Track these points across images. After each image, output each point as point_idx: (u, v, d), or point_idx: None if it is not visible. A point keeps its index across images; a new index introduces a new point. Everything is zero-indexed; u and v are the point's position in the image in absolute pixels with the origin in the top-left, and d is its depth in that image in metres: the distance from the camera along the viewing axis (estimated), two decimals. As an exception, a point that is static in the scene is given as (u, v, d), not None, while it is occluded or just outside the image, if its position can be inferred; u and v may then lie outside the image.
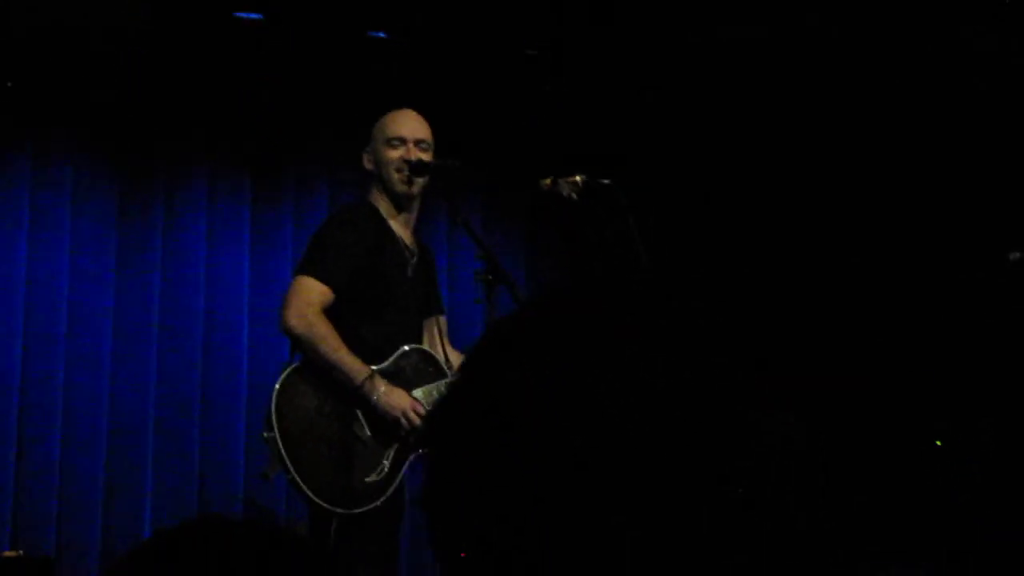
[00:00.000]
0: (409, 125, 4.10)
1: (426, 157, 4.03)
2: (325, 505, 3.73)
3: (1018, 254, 4.26)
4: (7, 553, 4.88)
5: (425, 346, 4.07)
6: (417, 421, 3.84)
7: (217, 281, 5.84)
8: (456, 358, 4.17)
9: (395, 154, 4.04)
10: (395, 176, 4.03)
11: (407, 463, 3.89)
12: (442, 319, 4.26)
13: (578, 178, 3.83)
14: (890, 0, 5.34)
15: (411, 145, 4.04)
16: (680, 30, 5.90)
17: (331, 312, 3.88)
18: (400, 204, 4.10)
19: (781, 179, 5.95)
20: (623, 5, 5.77)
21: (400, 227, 4.11)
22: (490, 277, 3.69)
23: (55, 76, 5.61)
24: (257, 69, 5.97)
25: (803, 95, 5.84)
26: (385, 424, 3.84)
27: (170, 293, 5.76)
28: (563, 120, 6.33)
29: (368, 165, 4.12)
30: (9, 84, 5.46)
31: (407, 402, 3.84)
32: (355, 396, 3.82)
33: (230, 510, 5.70)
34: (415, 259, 4.13)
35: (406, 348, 3.98)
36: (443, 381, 4.00)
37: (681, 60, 6.09)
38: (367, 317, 3.94)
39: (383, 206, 4.09)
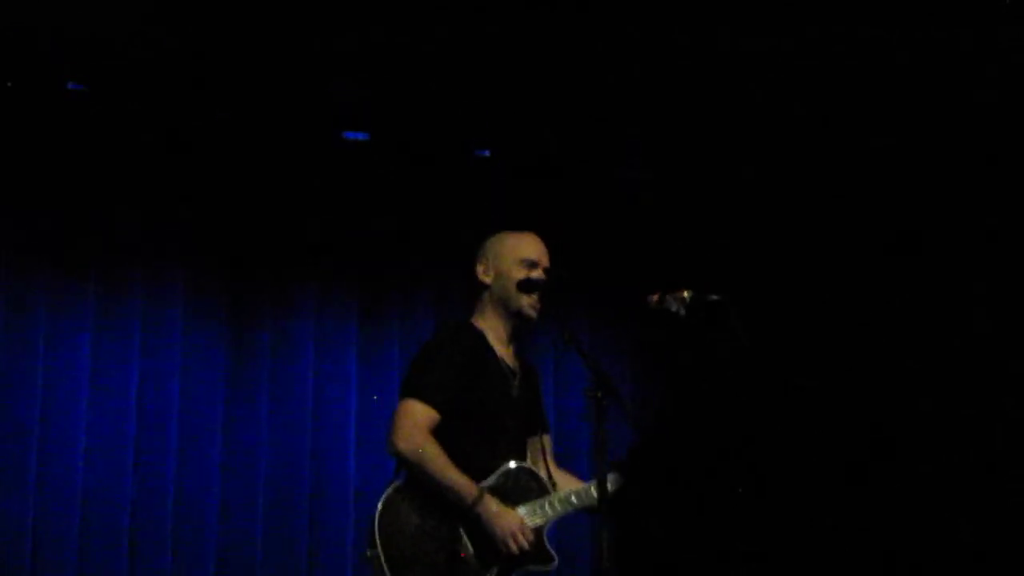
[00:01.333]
0: (541, 249, 4.11)
1: None
2: None
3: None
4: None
5: (529, 464, 4.03)
6: (524, 544, 3.80)
7: (325, 402, 5.88)
8: (560, 476, 4.13)
9: (532, 278, 4.04)
10: (526, 300, 4.03)
11: None
12: (546, 438, 4.23)
13: (686, 293, 3.79)
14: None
15: (540, 270, 4.06)
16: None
17: (435, 432, 3.87)
18: (513, 324, 4.09)
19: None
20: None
21: (503, 347, 4.10)
22: (599, 394, 3.65)
23: (164, 205, 5.72)
24: (363, 188, 6.06)
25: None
26: (489, 543, 3.81)
27: (278, 417, 5.80)
28: (671, 233, 6.33)
29: (485, 279, 4.11)
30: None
31: (516, 524, 3.81)
32: (464, 515, 3.79)
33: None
34: (518, 379, 4.10)
35: (511, 466, 3.96)
36: (547, 498, 3.95)
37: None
38: (471, 436, 3.92)
39: (490, 323, 4.08)
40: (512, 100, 5.86)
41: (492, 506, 3.80)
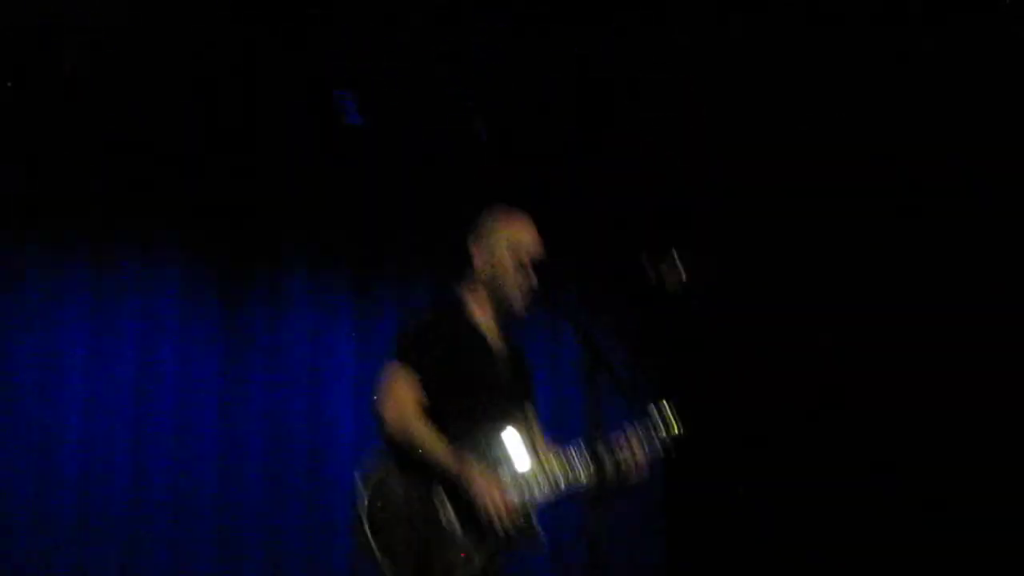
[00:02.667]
0: (538, 243, 4.07)
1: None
2: None
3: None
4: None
5: (516, 441, 4.01)
6: (503, 512, 3.79)
7: (320, 367, 5.94)
8: (549, 450, 4.12)
9: (526, 278, 4.04)
10: (521, 297, 4.03)
11: (495, 557, 3.83)
12: (531, 409, 4.23)
13: (679, 264, 3.81)
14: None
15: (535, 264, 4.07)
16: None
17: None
18: (502, 309, 4.09)
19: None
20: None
21: (490, 321, 4.09)
22: (590, 363, 3.66)
23: (161, 177, 5.75)
24: (359, 168, 6.09)
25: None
26: (474, 518, 3.81)
27: (274, 379, 5.86)
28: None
29: (480, 260, 4.09)
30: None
31: (496, 487, 3.80)
32: (447, 482, 3.80)
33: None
34: (506, 362, 4.11)
35: (495, 436, 3.95)
36: (533, 474, 3.95)
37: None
38: (456, 410, 3.90)
39: (478, 301, 4.09)
40: (505, 82, 5.89)
41: (473, 471, 3.81)
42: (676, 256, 3.81)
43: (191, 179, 5.81)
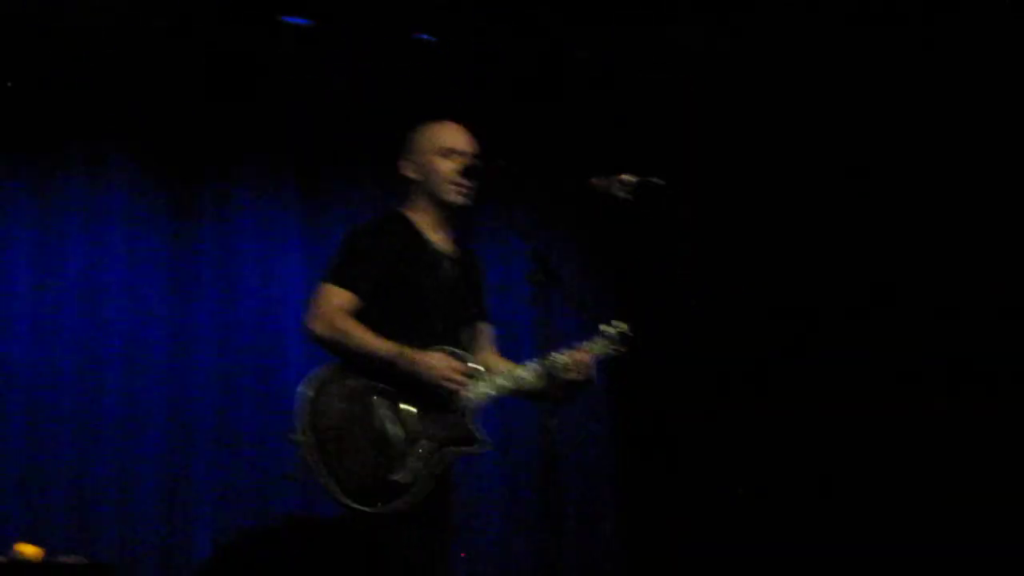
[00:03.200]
0: (463, 137, 4.06)
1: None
2: (351, 504, 3.74)
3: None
4: (69, 559, 4.92)
5: (455, 349, 4.02)
6: (461, 380, 3.82)
7: (269, 289, 5.90)
8: (502, 364, 4.13)
9: (450, 165, 4.00)
10: (451, 188, 4.00)
11: (438, 459, 3.86)
12: (485, 326, 4.22)
13: (631, 177, 3.79)
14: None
15: (467, 158, 4.03)
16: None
17: (360, 319, 3.88)
18: (445, 213, 4.07)
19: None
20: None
21: (436, 235, 4.08)
22: (541, 278, 3.66)
23: (104, 84, 5.66)
24: (305, 73, 6.01)
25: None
26: (415, 420, 3.83)
27: (223, 305, 5.81)
28: (614, 118, 6.33)
29: (411, 173, 4.05)
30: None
31: (447, 363, 3.83)
32: (392, 381, 3.80)
33: (290, 513, 5.74)
34: (452, 266, 4.09)
35: (435, 349, 3.96)
36: (477, 381, 3.96)
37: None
38: (398, 324, 3.90)
39: (421, 214, 4.05)
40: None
41: (414, 355, 3.80)
42: (626, 177, 3.79)
43: (139, 94, 5.71)
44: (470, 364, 3.91)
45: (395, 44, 6.15)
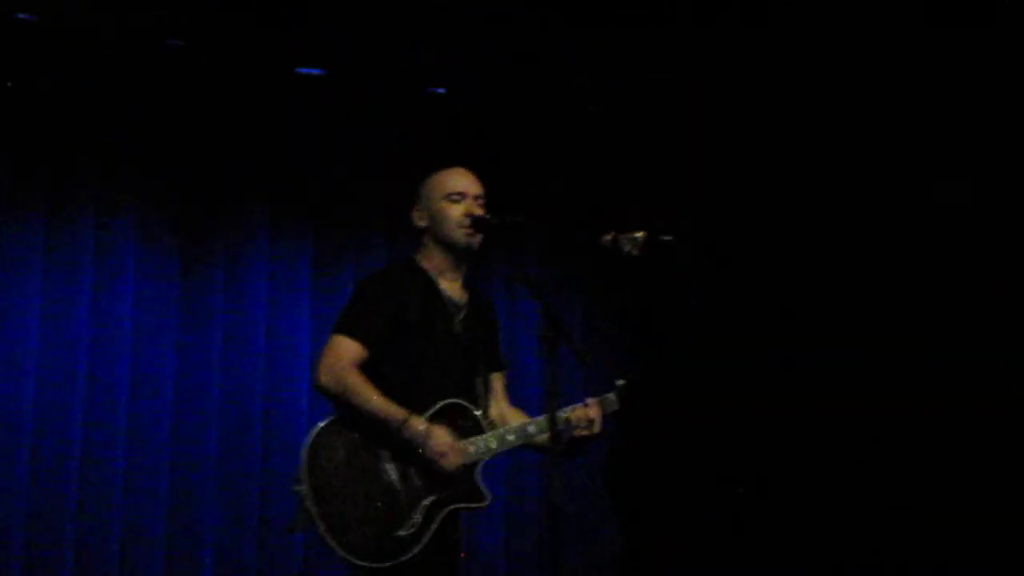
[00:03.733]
0: (467, 180, 4.10)
1: (482, 213, 4.04)
2: (351, 559, 3.73)
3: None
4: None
5: (463, 401, 4.01)
6: (455, 462, 3.82)
7: (278, 336, 5.89)
8: (513, 415, 4.14)
9: (456, 209, 4.03)
10: (458, 231, 4.02)
11: (441, 516, 3.84)
12: (499, 376, 4.22)
13: (639, 234, 3.79)
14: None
15: (471, 200, 4.04)
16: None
17: (371, 370, 3.87)
18: (456, 260, 4.08)
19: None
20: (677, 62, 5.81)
21: (448, 283, 4.09)
22: (550, 334, 3.66)
23: (116, 127, 5.67)
24: (318, 122, 6.03)
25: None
26: (419, 476, 3.83)
27: (231, 352, 5.80)
28: (626, 175, 6.33)
29: (421, 222, 4.10)
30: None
31: (446, 443, 3.83)
32: (393, 445, 3.80)
33: (289, 565, 5.71)
34: (464, 315, 4.09)
35: (445, 402, 3.95)
36: (482, 436, 3.96)
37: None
38: (407, 372, 3.92)
39: (433, 263, 4.07)
40: (465, 36, 5.84)
41: (420, 426, 3.81)
42: (637, 233, 3.79)
43: (152, 139, 5.73)
44: (468, 440, 3.90)
45: (408, 95, 6.18)
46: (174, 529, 5.60)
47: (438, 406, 3.92)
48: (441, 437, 3.83)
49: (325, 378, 3.85)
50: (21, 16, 5.42)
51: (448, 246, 4.05)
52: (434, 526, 3.82)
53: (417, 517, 3.80)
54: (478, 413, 3.99)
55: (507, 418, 4.12)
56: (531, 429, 3.97)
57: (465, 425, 3.96)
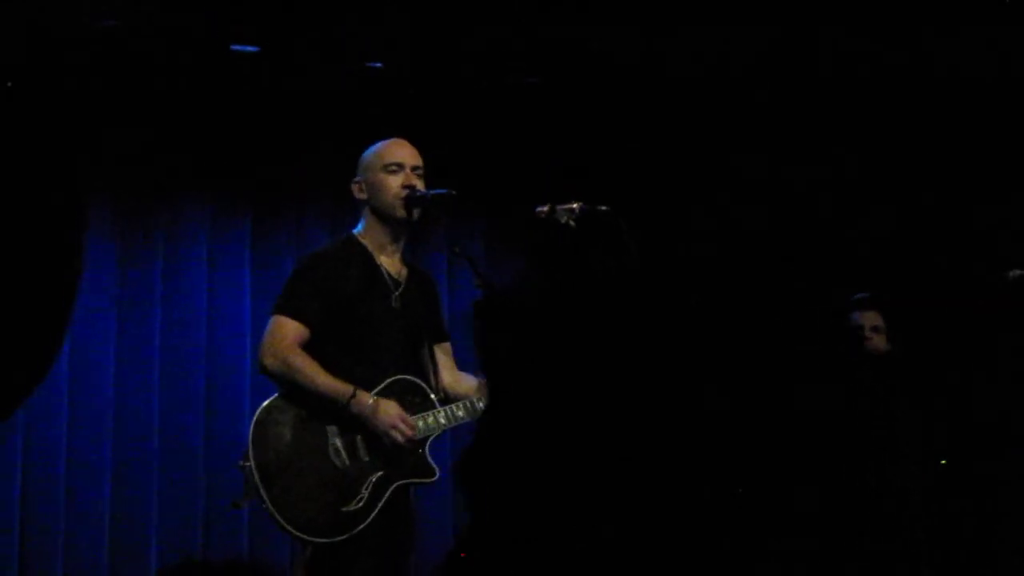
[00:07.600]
0: (406, 151, 4.10)
1: (421, 184, 4.05)
2: (298, 534, 3.74)
3: (1018, 272, 4.27)
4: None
5: (412, 376, 4.04)
6: (407, 432, 3.84)
7: (219, 315, 5.88)
8: (465, 381, 4.15)
9: (394, 180, 4.03)
10: (396, 202, 4.03)
11: (389, 491, 3.86)
12: (443, 347, 4.23)
13: (576, 205, 3.81)
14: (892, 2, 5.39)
15: (409, 171, 4.05)
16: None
17: (315, 350, 3.88)
18: (394, 232, 4.09)
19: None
20: (617, 32, 5.81)
21: (388, 258, 4.09)
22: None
23: (51, 119, 5.61)
24: (254, 101, 6.00)
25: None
26: (366, 452, 3.84)
27: (171, 330, 5.79)
28: (561, 146, 6.35)
29: (360, 194, 4.10)
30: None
31: (396, 414, 3.85)
32: (340, 421, 3.82)
33: (235, 543, 5.71)
34: (402, 289, 4.10)
35: (393, 379, 3.97)
36: (431, 411, 3.98)
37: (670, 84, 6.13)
38: (351, 351, 3.92)
39: (372, 237, 4.07)
40: (403, 9, 5.82)
41: (367, 400, 3.83)
42: (573, 204, 3.81)
43: (84, 120, 5.68)
44: (417, 415, 3.92)
45: (345, 71, 6.16)
46: (118, 509, 5.60)
47: (386, 382, 3.93)
48: (392, 409, 3.85)
49: (269, 360, 3.86)
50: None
51: (386, 218, 4.05)
52: (381, 503, 3.83)
53: (365, 492, 3.81)
54: (428, 389, 4.01)
55: (460, 384, 4.12)
56: (481, 404, 3.98)
57: (414, 401, 3.96)
